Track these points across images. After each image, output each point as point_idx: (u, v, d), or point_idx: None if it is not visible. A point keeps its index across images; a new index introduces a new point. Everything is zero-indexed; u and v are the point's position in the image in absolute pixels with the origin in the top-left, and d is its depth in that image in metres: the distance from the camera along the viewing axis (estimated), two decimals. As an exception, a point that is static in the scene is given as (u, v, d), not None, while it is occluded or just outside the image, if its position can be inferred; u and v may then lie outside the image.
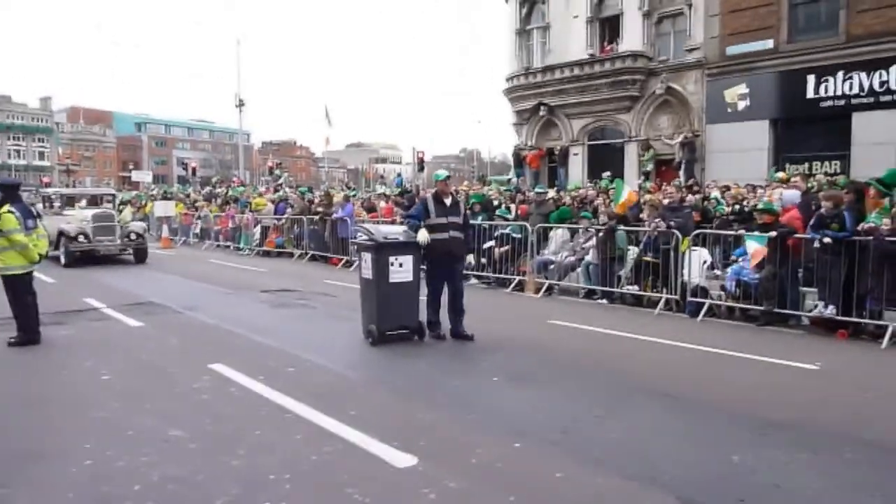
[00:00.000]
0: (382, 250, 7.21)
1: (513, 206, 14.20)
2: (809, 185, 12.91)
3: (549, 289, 11.26)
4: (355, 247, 9.82)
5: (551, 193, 14.76)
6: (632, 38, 21.56)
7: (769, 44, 18.17)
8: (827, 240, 7.98)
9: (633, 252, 10.43)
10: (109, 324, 8.59)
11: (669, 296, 9.62)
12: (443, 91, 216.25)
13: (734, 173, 17.15)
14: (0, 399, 5.45)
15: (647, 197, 11.96)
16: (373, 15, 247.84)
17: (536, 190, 14.52)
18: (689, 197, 12.48)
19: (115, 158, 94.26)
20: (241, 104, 36.32)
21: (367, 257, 7.39)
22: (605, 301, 10.48)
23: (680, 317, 9.29)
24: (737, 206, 11.78)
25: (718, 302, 9.27)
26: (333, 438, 4.43)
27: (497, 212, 13.33)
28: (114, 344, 7.37)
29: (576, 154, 23.39)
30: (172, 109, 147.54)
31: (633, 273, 10.34)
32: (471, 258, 8.04)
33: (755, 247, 8.90)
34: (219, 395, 5.43)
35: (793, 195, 10.29)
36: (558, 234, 11.66)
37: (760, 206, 9.65)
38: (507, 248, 11.94)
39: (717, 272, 10.06)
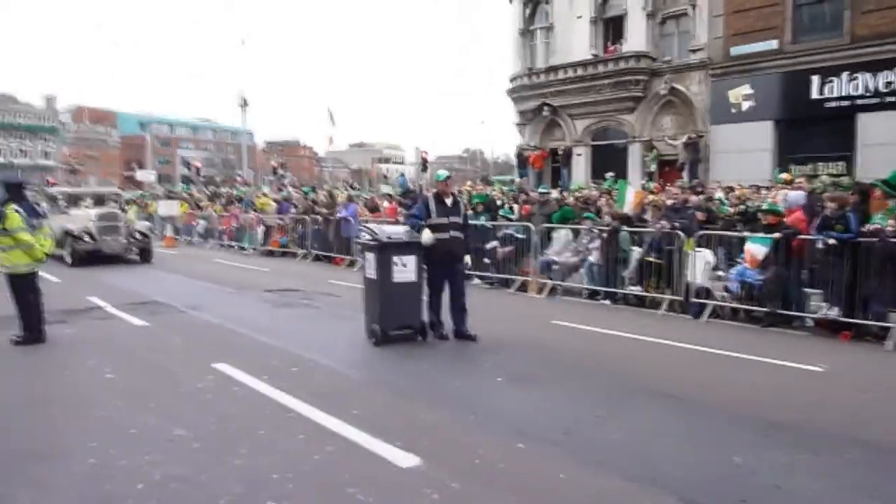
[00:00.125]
0: (386, 250, 7.22)
1: (516, 207, 14.19)
2: (813, 186, 12.89)
3: (552, 289, 11.25)
4: (359, 246, 9.83)
5: (554, 194, 14.75)
6: (635, 38, 21.55)
7: (773, 44, 18.15)
8: (832, 241, 7.97)
9: (636, 253, 10.41)
10: (113, 323, 8.62)
11: (673, 297, 9.61)
12: (446, 91, 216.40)
13: (738, 174, 17.13)
14: (4, 398, 5.47)
15: (651, 198, 11.94)
16: (376, 14, 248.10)
17: (540, 190, 14.52)
18: (693, 198, 12.45)
19: (120, 158, 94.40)
20: (244, 104, 36.36)
21: (371, 257, 7.40)
22: (608, 302, 10.48)
23: (683, 318, 9.28)
24: (741, 207, 11.74)
25: (722, 303, 9.25)
26: (336, 438, 4.44)
27: (500, 212, 13.32)
28: (118, 343, 7.39)
29: (579, 154, 23.39)
30: (176, 109, 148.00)
31: (636, 274, 10.33)
32: (468, 259, 8.02)
33: (754, 249, 8.87)
34: (222, 395, 5.45)
35: (798, 196, 10.27)
36: (561, 234, 11.65)
37: (765, 206, 9.62)
38: (510, 248, 11.94)
39: (721, 273, 10.03)
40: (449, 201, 7.73)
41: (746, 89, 18.82)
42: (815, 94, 17.52)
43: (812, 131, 18.04)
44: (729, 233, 9.87)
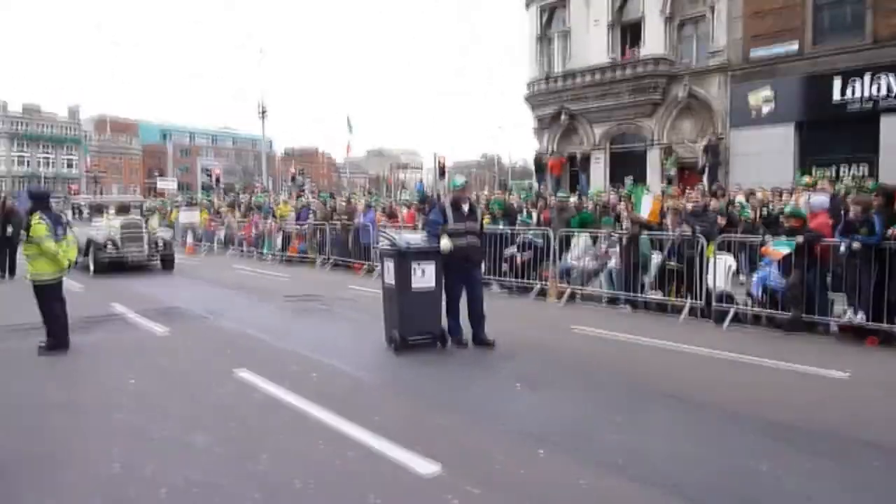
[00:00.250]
0: (405, 257, 7.23)
1: (535, 212, 14.16)
2: (836, 189, 12.73)
3: (572, 295, 11.19)
4: (378, 253, 9.86)
5: (573, 199, 14.70)
6: (653, 42, 21.46)
7: (794, 46, 17.98)
8: (856, 245, 7.84)
9: (656, 258, 10.33)
10: (136, 330, 8.71)
11: (694, 302, 9.51)
12: (464, 97, 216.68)
13: (758, 177, 16.96)
14: (30, 404, 5.55)
15: (671, 202, 11.84)
16: (395, 22, 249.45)
17: (559, 195, 14.47)
18: (714, 202, 12.35)
19: (141, 167, 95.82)
20: (263, 112, 36.74)
21: (390, 264, 7.41)
22: (628, 308, 10.39)
23: (705, 323, 9.18)
24: (764, 211, 11.63)
25: (744, 308, 9.14)
26: (356, 445, 4.44)
27: (519, 218, 13.29)
28: (140, 350, 7.47)
29: (597, 160, 23.32)
30: (197, 118, 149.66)
31: (656, 279, 10.24)
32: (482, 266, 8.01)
33: (775, 248, 8.76)
34: (243, 401, 5.48)
35: (822, 200, 10.13)
36: (581, 239, 11.59)
37: (787, 210, 9.50)
38: (529, 254, 11.90)
39: (743, 278, 9.93)
40: (465, 208, 7.73)
41: (766, 92, 18.65)
42: (836, 97, 17.33)
43: (834, 134, 17.83)
44: (750, 237, 9.77)
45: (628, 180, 18.57)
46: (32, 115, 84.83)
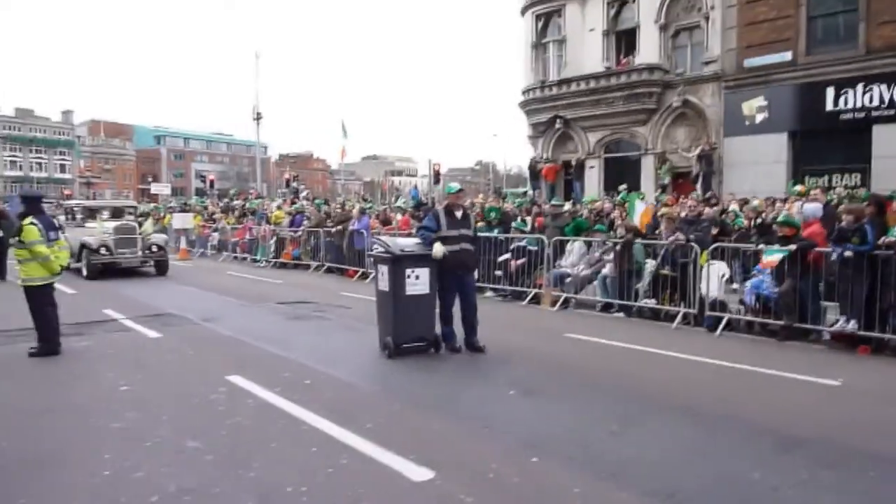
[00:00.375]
0: (399, 263, 7.22)
1: (529, 219, 14.18)
2: (829, 198, 12.79)
3: (566, 302, 11.20)
4: (371, 259, 9.85)
5: (567, 206, 14.72)
6: (648, 50, 21.56)
7: (787, 56, 18.08)
8: (848, 253, 7.88)
9: (650, 265, 10.36)
10: (128, 335, 8.67)
11: (687, 310, 9.53)
12: (458, 104, 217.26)
13: (752, 186, 17.06)
14: (20, 408, 5.51)
15: (665, 210, 11.89)
16: (389, 28, 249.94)
17: (553, 202, 14.49)
18: (707, 210, 12.39)
19: (135, 171, 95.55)
20: (258, 117, 36.71)
21: (384, 270, 7.40)
22: (622, 314, 10.41)
23: (698, 331, 9.20)
24: (758, 220, 11.66)
25: (737, 316, 9.17)
26: (349, 451, 4.42)
27: (513, 224, 13.31)
28: (132, 355, 7.42)
29: (592, 167, 23.36)
30: (191, 122, 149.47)
31: (650, 286, 10.26)
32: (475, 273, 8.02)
33: (769, 257, 8.81)
34: (235, 407, 5.45)
35: (815, 209, 10.17)
36: (575, 246, 11.61)
37: (781, 218, 9.55)
38: (523, 260, 11.91)
39: (736, 286, 9.96)
40: (459, 214, 7.74)
41: (760, 101, 18.74)
42: (829, 106, 17.42)
43: (827, 143, 17.92)
44: (743, 245, 9.80)
45: (622, 188, 18.59)
46: (25, 118, 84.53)
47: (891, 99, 16.42)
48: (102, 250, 15.11)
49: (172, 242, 23.28)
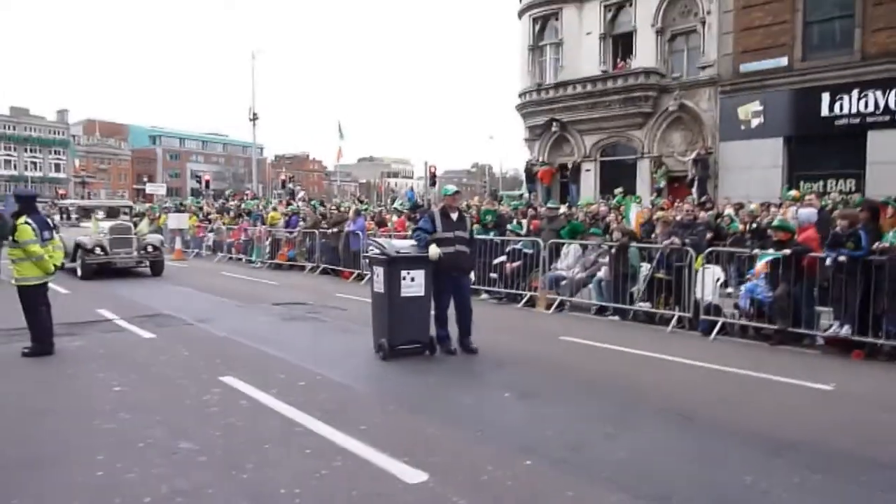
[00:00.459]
0: (394, 264, 7.22)
1: (524, 222, 14.19)
2: (823, 203, 12.84)
3: (561, 305, 11.21)
4: (367, 260, 9.85)
5: (563, 209, 14.75)
6: (645, 54, 21.64)
7: (783, 61, 18.16)
8: (841, 258, 7.91)
9: (645, 269, 10.38)
10: (122, 335, 8.64)
11: (682, 313, 9.55)
12: (455, 106, 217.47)
13: (747, 191, 17.12)
14: (13, 409, 5.49)
15: (660, 214, 11.91)
16: (386, 30, 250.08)
17: (549, 205, 14.50)
18: (702, 214, 12.43)
19: (130, 171, 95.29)
20: (254, 118, 36.65)
21: (379, 271, 7.40)
22: (616, 318, 10.42)
23: (692, 335, 9.21)
24: (753, 225, 11.71)
25: (732, 320, 9.18)
26: (343, 453, 4.42)
27: (509, 227, 13.32)
28: (125, 355, 7.40)
29: (588, 170, 23.41)
30: (187, 122, 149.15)
31: (645, 290, 10.28)
32: (472, 275, 8.02)
33: (761, 263, 8.86)
34: (229, 408, 5.44)
35: (809, 214, 10.21)
36: (571, 249, 11.62)
37: (776, 223, 9.57)
38: (518, 263, 11.92)
39: (731, 290, 9.98)
40: (455, 216, 7.75)
41: (756, 106, 18.82)
42: (825, 112, 17.50)
43: (822, 148, 18.01)
44: (737, 249, 9.83)
45: (618, 191, 18.64)
46: (20, 116, 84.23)
47: (886, 105, 16.53)
48: (98, 250, 15.04)
49: (167, 243, 23.25)
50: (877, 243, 7.81)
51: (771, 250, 8.85)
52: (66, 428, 5.01)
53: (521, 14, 25.15)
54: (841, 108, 17.24)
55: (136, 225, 17.25)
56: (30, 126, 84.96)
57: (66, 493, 3.84)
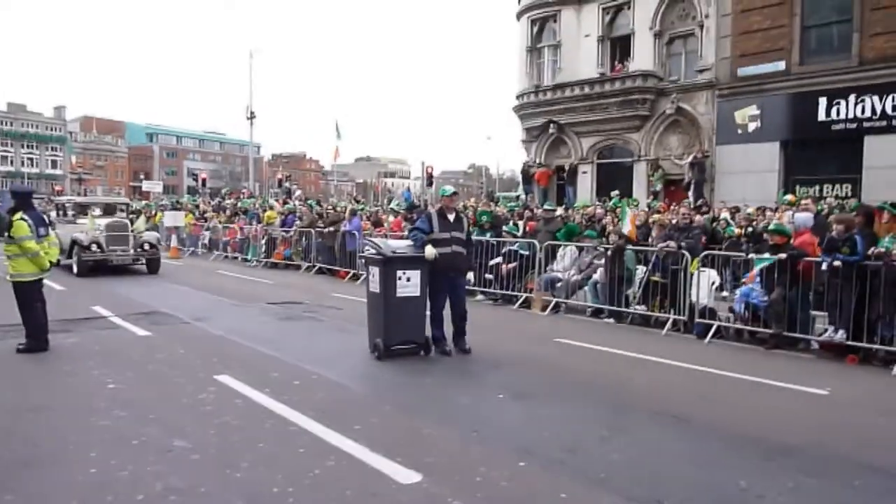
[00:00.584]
0: (390, 264, 7.22)
1: (520, 223, 14.19)
2: (819, 207, 12.88)
3: (556, 306, 11.22)
4: (363, 260, 9.84)
5: (559, 211, 14.75)
6: (642, 57, 21.66)
7: (781, 66, 18.19)
8: (837, 263, 7.92)
9: (641, 272, 10.39)
10: (117, 332, 8.62)
11: (677, 316, 9.57)
12: (452, 106, 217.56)
13: (743, 194, 17.15)
14: (6, 405, 5.46)
15: (656, 217, 11.93)
16: (385, 30, 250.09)
17: (545, 207, 14.51)
18: (698, 217, 12.45)
19: (127, 168, 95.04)
20: (252, 116, 36.58)
21: (375, 271, 7.39)
22: (612, 320, 10.43)
23: (687, 338, 9.23)
24: (749, 229, 11.74)
25: (727, 324, 9.20)
26: (337, 452, 4.41)
27: (505, 228, 13.32)
28: (120, 353, 7.38)
29: (584, 172, 23.43)
30: (184, 120, 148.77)
31: (640, 293, 10.29)
32: (470, 276, 8.02)
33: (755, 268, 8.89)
34: (224, 407, 5.43)
35: (806, 218, 10.23)
36: (568, 251, 11.63)
37: (772, 227, 9.59)
38: (514, 264, 11.92)
39: (726, 294, 10.00)
40: (452, 217, 7.75)
41: (753, 110, 18.85)
42: (822, 116, 17.53)
43: (819, 153, 18.05)
44: (733, 253, 9.85)
45: (615, 194, 18.65)
46: (17, 112, 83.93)
47: (883, 110, 16.55)
48: (94, 247, 14.99)
49: (164, 240, 23.19)
50: (872, 248, 7.83)
51: (767, 254, 8.86)
52: (60, 425, 5.00)
53: (519, 16, 25.16)
54: (838, 113, 17.27)
55: (132, 222, 17.20)
56: (27, 122, 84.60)
57: (59, 490, 3.83)
